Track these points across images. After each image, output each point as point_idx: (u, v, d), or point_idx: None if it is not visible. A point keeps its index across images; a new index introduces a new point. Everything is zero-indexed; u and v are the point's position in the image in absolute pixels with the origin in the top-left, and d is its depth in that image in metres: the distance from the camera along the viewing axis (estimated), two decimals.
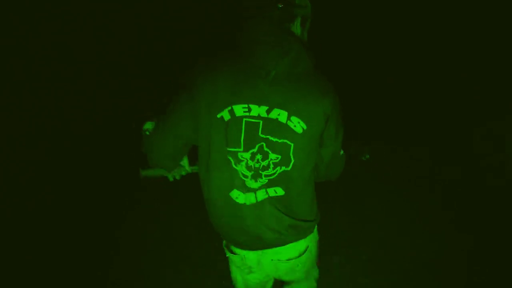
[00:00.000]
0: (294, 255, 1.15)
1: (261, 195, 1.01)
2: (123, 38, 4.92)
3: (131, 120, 4.19)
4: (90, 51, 4.64)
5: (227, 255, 1.23)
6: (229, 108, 0.90)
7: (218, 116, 0.91)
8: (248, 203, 1.00)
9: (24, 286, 2.10)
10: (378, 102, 5.02)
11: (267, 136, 0.94)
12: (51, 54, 4.31)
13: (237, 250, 1.16)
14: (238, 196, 1.00)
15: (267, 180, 1.00)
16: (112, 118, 4.19)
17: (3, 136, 3.45)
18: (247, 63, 0.91)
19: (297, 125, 0.94)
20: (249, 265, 1.19)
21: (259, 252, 1.14)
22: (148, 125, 1.04)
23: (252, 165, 0.97)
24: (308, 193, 1.08)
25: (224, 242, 1.22)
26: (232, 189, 0.99)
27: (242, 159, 0.95)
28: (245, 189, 0.99)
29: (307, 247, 1.16)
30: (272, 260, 1.15)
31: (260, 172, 0.98)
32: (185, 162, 1.19)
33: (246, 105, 0.91)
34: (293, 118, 0.93)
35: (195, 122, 0.94)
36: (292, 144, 0.96)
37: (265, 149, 0.96)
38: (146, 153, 1.05)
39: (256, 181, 0.99)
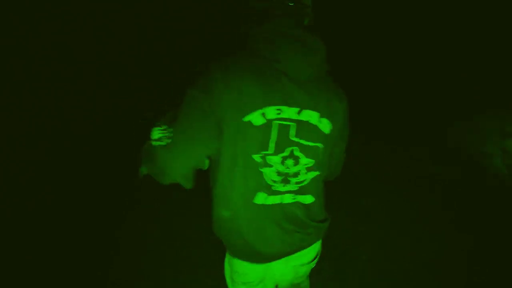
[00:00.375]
0: (313, 257, 1.14)
1: (288, 198, 0.97)
2: (123, 38, 4.92)
3: (131, 120, 4.20)
4: (90, 51, 4.64)
5: (235, 276, 1.11)
6: (261, 111, 0.85)
7: (245, 120, 0.85)
8: (272, 203, 0.95)
9: (24, 286, 2.10)
10: (378, 102, 5.01)
11: (299, 140, 0.91)
12: (51, 54, 4.31)
13: (255, 266, 1.06)
14: (263, 199, 0.94)
15: (297, 187, 0.97)
16: (112, 118, 4.19)
17: (3, 136, 3.45)
18: (271, 64, 0.87)
19: (326, 126, 0.94)
20: (267, 277, 1.11)
21: (283, 260, 1.08)
22: (156, 134, 0.90)
23: (282, 171, 0.92)
24: (323, 194, 1.09)
25: (235, 265, 1.08)
26: (256, 193, 0.93)
27: (271, 163, 0.90)
28: (271, 192, 0.94)
29: (319, 247, 1.17)
30: (294, 266, 1.11)
31: (289, 178, 0.94)
32: None
33: (278, 107, 0.86)
34: (323, 119, 0.93)
35: (220, 130, 0.87)
36: (322, 147, 0.95)
37: (297, 153, 0.92)
38: (157, 170, 0.90)
39: (284, 185, 0.95)
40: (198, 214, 2.76)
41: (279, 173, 0.92)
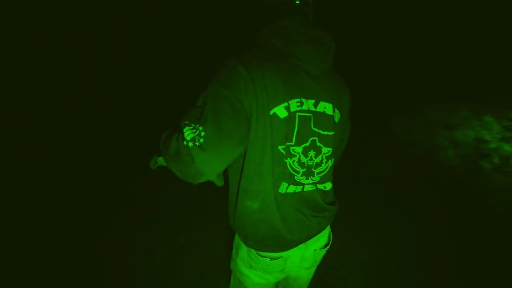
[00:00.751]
0: (327, 240, 1.19)
1: (309, 187, 1.02)
2: (123, 38, 4.93)
3: (131, 120, 4.20)
4: (90, 51, 4.64)
5: (255, 265, 1.10)
6: (285, 104, 0.89)
7: (271, 113, 0.88)
8: (293, 191, 0.99)
9: (24, 286, 2.10)
10: (378, 101, 5.02)
11: (319, 130, 0.95)
12: (51, 54, 4.31)
13: (279, 254, 1.08)
14: (285, 188, 0.98)
15: (319, 178, 1.01)
16: (112, 118, 4.20)
17: (3, 136, 3.45)
18: (288, 58, 0.91)
19: (337, 116, 1.00)
20: (287, 265, 1.12)
21: (303, 246, 1.11)
22: (189, 134, 0.82)
23: (305, 162, 0.96)
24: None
25: (253, 252, 1.09)
26: (281, 183, 0.96)
27: (294, 153, 0.94)
28: (294, 182, 0.97)
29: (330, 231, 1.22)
30: (315, 250, 1.15)
31: (313, 170, 0.99)
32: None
33: (298, 99, 0.91)
34: (336, 110, 0.99)
35: (249, 124, 0.88)
36: (335, 135, 1.01)
37: (318, 144, 0.96)
38: (192, 170, 0.84)
39: (307, 178, 0.99)
40: (197, 214, 2.75)
41: (301, 164, 0.96)
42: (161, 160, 1.06)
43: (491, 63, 5.97)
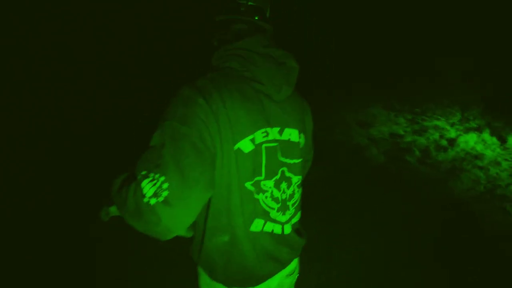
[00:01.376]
0: (294, 267, 1.08)
1: (288, 228, 0.94)
2: (123, 38, 4.93)
3: (131, 120, 4.19)
4: (90, 51, 4.64)
5: None
6: (251, 136, 0.81)
7: (235, 148, 0.79)
8: (270, 230, 0.91)
9: (24, 286, 2.10)
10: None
11: (287, 160, 0.88)
12: (51, 54, 4.31)
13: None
14: (260, 226, 0.89)
15: (294, 210, 0.94)
16: (112, 118, 4.19)
17: (3, 136, 3.45)
18: (250, 83, 0.82)
19: (302, 141, 0.94)
20: None
21: (270, 279, 1.00)
22: (150, 189, 0.69)
23: (279, 196, 0.89)
24: None
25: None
26: (253, 220, 0.87)
27: (266, 188, 0.86)
28: (269, 219, 0.89)
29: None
30: (279, 281, 1.04)
31: (288, 203, 0.91)
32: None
33: (264, 130, 0.82)
34: (301, 135, 0.92)
35: (215, 163, 0.78)
36: (301, 161, 0.94)
37: (287, 174, 0.89)
38: (158, 229, 0.71)
39: (284, 213, 0.91)
40: None
41: (275, 199, 0.88)
42: (114, 210, 0.91)
43: (373, 55, 6.30)
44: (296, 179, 0.93)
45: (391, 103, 5.29)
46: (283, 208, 0.91)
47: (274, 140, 0.85)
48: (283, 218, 0.91)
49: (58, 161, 3.39)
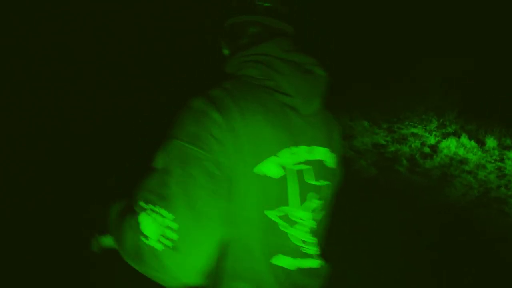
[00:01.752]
0: None
1: (317, 259, 0.79)
2: (123, 38, 4.93)
3: (131, 120, 4.19)
4: (90, 51, 4.64)
5: None
6: (275, 157, 0.67)
7: (257, 171, 0.65)
8: (299, 267, 0.74)
9: (24, 286, 2.10)
10: None
11: (318, 183, 0.75)
12: (51, 54, 4.31)
13: None
14: (289, 263, 0.73)
15: (321, 239, 0.82)
16: (112, 118, 4.20)
17: (3, 136, 3.45)
18: (273, 95, 0.70)
19: (333, 161, 0.81)
20: None
21: None
22: (154, 231, 0.57)
23: (310, 227, 0.74)
24: None
25: None
26: (280, 257, 0.71)
27: (295, 219, 0.71)
28: (300, 255, 0.74)
29: None
30: None
31: (317, 232, 0.78)
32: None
33: (291, 148, 0.69)
34: (332, 154, 0.80)
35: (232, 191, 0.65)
36: (331, 184, 0.81)
37: (317, 200, 0.75)
38: (163, 276, 0.60)
39: (314, 245, 0.77)
40: None
41: (305, 231, 0.74)
42: (109, 242, 0.80)
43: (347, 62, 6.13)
44: (325, 205, 0.80)
45: (367, 112, 5.27)
46: (314, 239, 0.77)
47: (305, 162, 0.72)
48: (313, 251, 0.77)
49: (58, 161, 3.39)
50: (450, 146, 4.22)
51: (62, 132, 3.82)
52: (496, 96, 5.00)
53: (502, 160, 3.84)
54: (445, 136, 4.54)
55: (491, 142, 4.20)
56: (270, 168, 0.66)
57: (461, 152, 4.07)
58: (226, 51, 0.81)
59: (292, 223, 0.71)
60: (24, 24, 4.12)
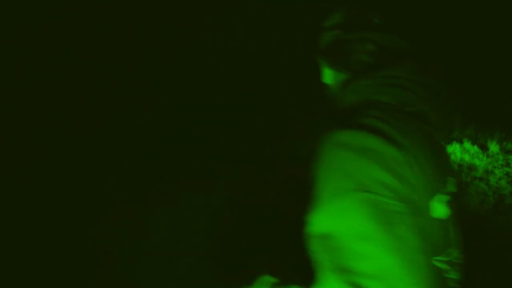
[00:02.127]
0: None
1: None
2: (123, 38, 4.93)
3: (131, 120, 4.19)
4: (90, 51, 4.64)
5: None
6: (439, 194, 0.60)
7: (426, 210, 0.59)
8: None
9: (24, 286, 2.10)
10: None
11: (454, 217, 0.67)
12: (51, 54, 4.31)
13: None
14: None
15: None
16: (112, 118, 4.20)
17: (3, 136, 3.45)
18: (416, 122, 0.61)
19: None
20: None
21: None
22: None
23: (459, 268, 0.66)
24: None
25: None
26: None
27: (455, 261, 0.64)
28: None
29: None
30: None
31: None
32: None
33: (445, 182, 0.62)
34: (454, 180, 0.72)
35: None
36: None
37: (455, 235, 0.67)
38: None
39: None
40: (199, 211, 2.75)
41: (458, 273, 0.66)
42: None
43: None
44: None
45: None
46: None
47: (450, 195, 0.63)
48: None
49: (58, 161, 3.39)
50: (456, 151, 4.17)
51: (62, 132, 3.82)
52: (496, 97, 4.96)
53: (508, 165, 3.80)
54: (449, 141, 4.44)
55: (494, 147, 4.16)
56: (437, 207, 0.58)
57: (467, 158, 4.01)
58: (329, 71, 0.72)
59: (451, 265, 0.61)
60: (24, 24, 4.12)
